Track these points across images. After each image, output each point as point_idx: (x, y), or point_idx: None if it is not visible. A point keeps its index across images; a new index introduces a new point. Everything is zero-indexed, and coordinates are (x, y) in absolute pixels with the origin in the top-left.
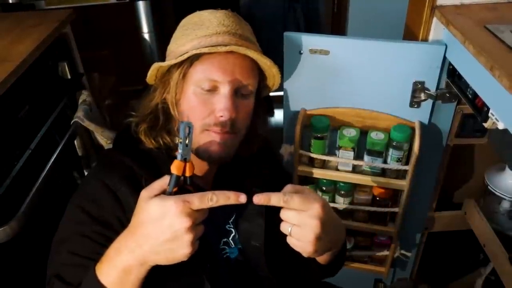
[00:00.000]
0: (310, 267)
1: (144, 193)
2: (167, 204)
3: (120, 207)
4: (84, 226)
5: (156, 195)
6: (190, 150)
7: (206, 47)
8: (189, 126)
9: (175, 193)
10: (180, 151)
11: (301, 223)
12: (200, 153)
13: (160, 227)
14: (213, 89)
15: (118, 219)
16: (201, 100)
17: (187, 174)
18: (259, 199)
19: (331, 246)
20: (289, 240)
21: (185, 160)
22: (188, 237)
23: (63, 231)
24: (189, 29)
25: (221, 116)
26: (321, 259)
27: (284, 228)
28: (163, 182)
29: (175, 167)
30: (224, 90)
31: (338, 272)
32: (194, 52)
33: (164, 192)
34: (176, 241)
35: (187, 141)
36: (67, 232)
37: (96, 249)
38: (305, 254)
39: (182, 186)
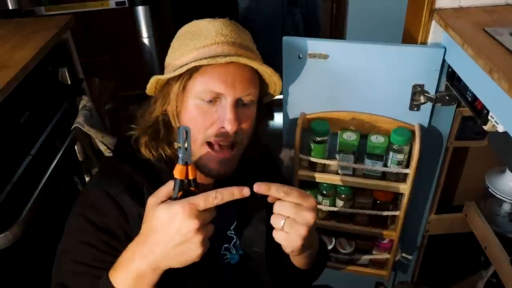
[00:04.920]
0: (293, 274)
1: (151, 200)
2: (174, 209)
3: (123, 216)
4: (88, 235)
5: (162, 201)
6: (190, 153)
7: (205, 58)
8: (187, 130)
9: (181, 197)
10: (180, 155)
11: (297, 216)
12: (200, 167)
13: (170, 232)
14: (214, 101)
15: (122, 228)
16: (202, 111)
17: (190, 177)
18: (260, 187)
19: (309, 245)
20: (277, 234)
21: (186, 163)
22: (198, 238)
23: (67, 240)
24: (187, 39)
25: (223, 128)
26: (300, 263)
27: (277, 221)
28: (168, 187)
29: (178, 172)
30: (226, 101)
31: (320, 274)
32: (194, 64)
33: (170, 198)
34: (187, 243)
35: (186, 145)
36: (71, 241)
37: (101, 258)
38: (289, 249)
39: (187, 190)
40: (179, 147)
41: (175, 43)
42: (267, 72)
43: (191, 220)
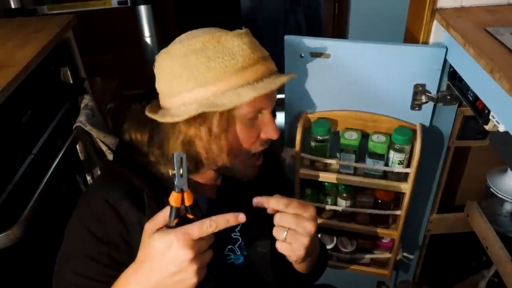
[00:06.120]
0: (294, 278)
1: (148, 226)
2: (168, 238)
3: (122, 224)
4: (88, 246)
5: (159, 229)
6: (186, 180)
7: (255, 81)
8: (181, 157)
9: (177, 225)
10: (175, 182)
11: (298, 226)
12: (238, 175)
13: (165, 261)
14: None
15: (121, 237)
16: (247, 130)
17: (186, 203)
18: (258, 201)
19: (311, 252)
20: (281, 245)
21: (181, 190)
22: (193, 268)
23: (69, 249)
24: (215, 55)
25: (268, 139)
26: (301, 268)
27: (279, 233)
28: (165, 214)
29: (173, 200)
30: (268, 114)
31: (322, 275)
32: (256, 95)
33: (167, 224)
34: (182, 273)
35: (181, 172)
36: (72, 251)
37: (101, 271)
38: (293, 258)
39: (184, 217)
40: (174, 174)
41: (197, 62)
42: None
43: (185, 250)
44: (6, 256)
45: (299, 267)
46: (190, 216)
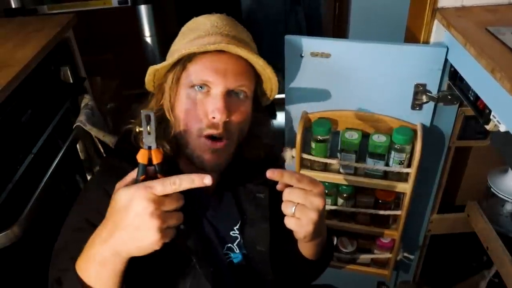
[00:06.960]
0: (300, 266)
1: (117, 185)
2: (130, 191)
3: None
4: (86, 233)
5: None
6: (154, 138)
7: (193, 42)
8: (149, 115)
9: (143, 182)
10: (143, 140)
11: (306, 201)
12: (194, 159)
13: (127, 215)
14: (206, 91)
15: None
16: (195, 102)
17: (154, 161)
18: (273, 173)
19: (319, 232)
20: (289, 220)
21: (149, 148)
22: (153, 223)
23: (65, 237)
24: (185, 34)
25: (213, 118)
26: (309, 252)
27: (287, 208)
28: (134, 173)
29: (140, 156)
30: (216, 90)
31: (325, 269)
32: (184, 52)
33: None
34: (142, 227)
35: (148, 129)
36: (69, 239)
37: None
38: (301, 235)
39: (153, 176)
40: (141, 131)
41: (175, 40)
42: (259, 63)
43: (146, 203)
44: (6, 255)
45: (306, 250)
46: (159, 176)
